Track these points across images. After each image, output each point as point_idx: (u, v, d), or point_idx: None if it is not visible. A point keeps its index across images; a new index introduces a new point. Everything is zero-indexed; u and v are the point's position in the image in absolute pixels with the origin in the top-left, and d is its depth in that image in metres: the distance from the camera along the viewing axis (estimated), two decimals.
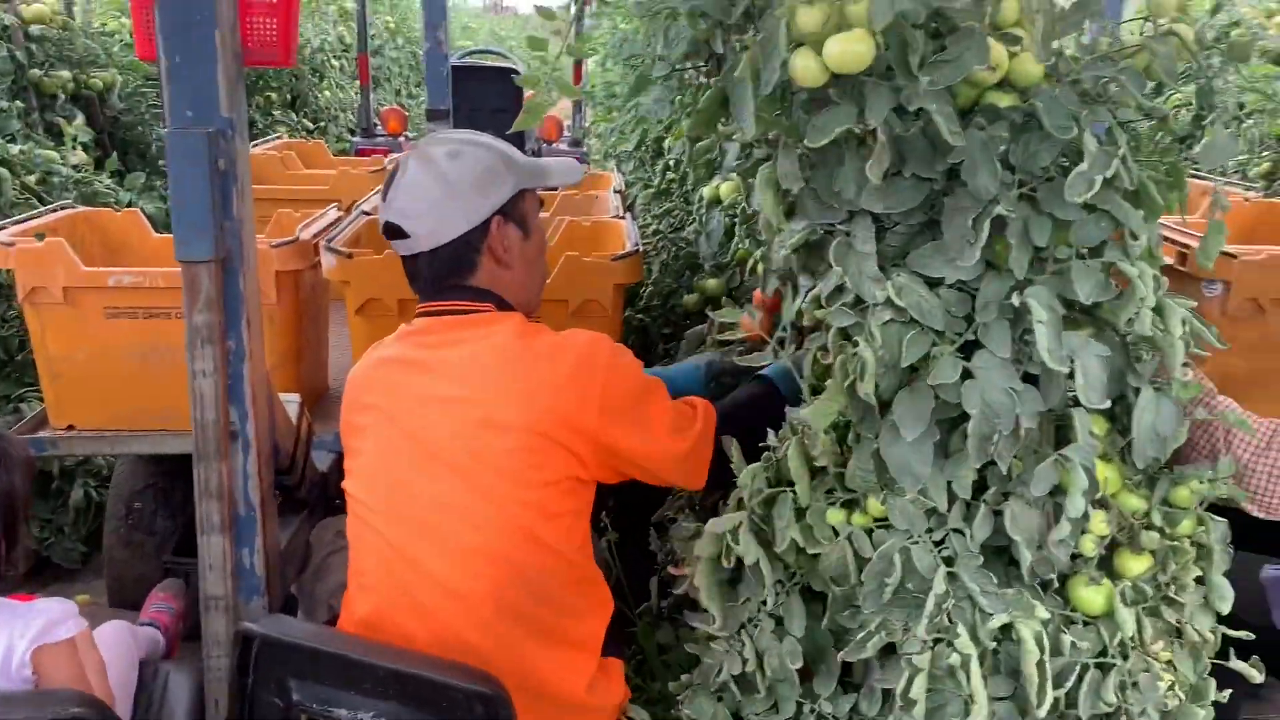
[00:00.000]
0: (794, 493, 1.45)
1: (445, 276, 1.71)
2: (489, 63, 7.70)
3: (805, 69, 1.15)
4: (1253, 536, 2.52)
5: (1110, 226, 1.30)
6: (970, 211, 1.29)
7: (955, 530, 1.38)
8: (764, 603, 1.48)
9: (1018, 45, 1.32)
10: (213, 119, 1.61)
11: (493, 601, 1.59)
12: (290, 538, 2.10)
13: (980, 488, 1.42)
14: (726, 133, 1.56)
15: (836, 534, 1.42)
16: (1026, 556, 1.36)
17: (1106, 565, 1.48)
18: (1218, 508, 1.51)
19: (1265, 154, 4.54)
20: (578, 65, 5.43)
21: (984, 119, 1.30)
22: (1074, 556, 1.43)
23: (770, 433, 1.56)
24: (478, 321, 1.68)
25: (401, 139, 6.14)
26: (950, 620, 1.33)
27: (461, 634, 1.57)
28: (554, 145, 5.91)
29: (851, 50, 1.13)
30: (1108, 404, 1.31)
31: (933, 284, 1.36)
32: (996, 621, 1.32)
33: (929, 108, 1.19)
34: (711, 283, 2.62)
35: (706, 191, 2.65)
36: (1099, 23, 1.33)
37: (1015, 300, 1.30)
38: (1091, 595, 1.41)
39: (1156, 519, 1.47)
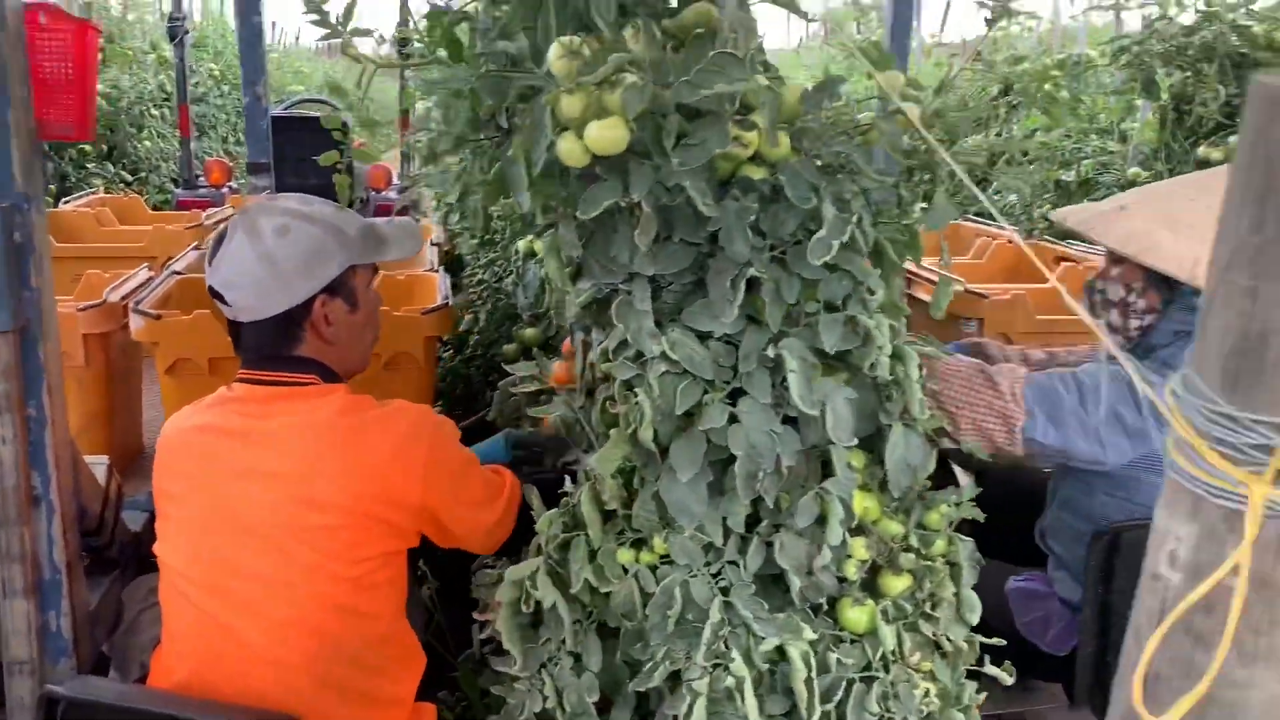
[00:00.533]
0: (587, 536, 1.55)
1: (267, 347, 1.72)
2: (317, 112, 7.65)
3: (569, 151, 1.27)
4: (1000, 548, 2.77)
5: (851, 284, 1.46)
6: (730, 273, 1.43)
7: (731, 562, 1.51)
8: (563, 642, 1.57)
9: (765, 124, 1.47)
10: (8, 194, 1.62)
11: (307, 671, 1.63)
12: (101, 597, 2.08)
13: (755, 521, 1.55)
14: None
15: (626, 572, 1.53)
16: (796, 583, 1.50)
17: (871, 586, 1.64)
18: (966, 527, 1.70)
19: (1047, 197, 4.97)
20: (404, 115, 5.48)
21: (739, 190, 1.44)
22: (841, 580, 1.58)
23: (568, 479, 1.67)
24: (300, 394, 1.70)
25: (225, 190, 6.04)
26: (726, 646, 1.45)
27: (276, 701, 1.61)
28: (382, 193, 5.93)
29: (608, 135, 1.25)
30: (855, 441, 1.46)
31: (703, 337, 1.50)
32: (768, 644, 1.45)
33: (684, 184, 1.32)
34: (529, 332, 2.71)
35: (522, 245, 2.75)
36: (833, 101, 1.49)
37: (772, 351, 1.44)
38: (856, 615, 1.56)
39: (913, 541, 1.64)
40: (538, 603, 1.57)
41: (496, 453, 2.01)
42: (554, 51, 1.25)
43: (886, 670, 1.54)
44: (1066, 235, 3.55)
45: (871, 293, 1.45)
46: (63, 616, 1.84)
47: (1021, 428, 1.86)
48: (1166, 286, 1.89)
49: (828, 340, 1.43)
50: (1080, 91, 5.43)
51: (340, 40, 1.54)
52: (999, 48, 6.23)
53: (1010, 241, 2.97)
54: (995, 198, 5.20)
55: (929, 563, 1.63)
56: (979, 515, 1.68)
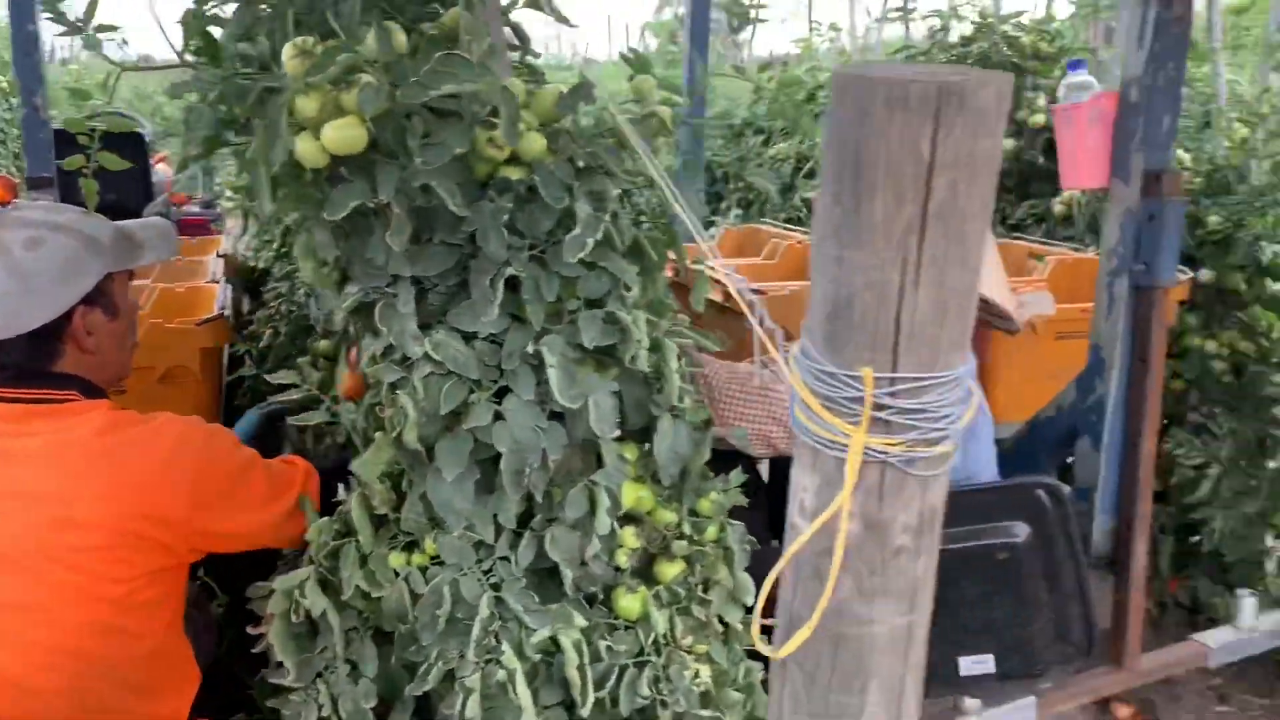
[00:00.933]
0: (358, 541, 1.54)
1: (25, 364, 1.64)
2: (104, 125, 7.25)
3: (307, 152, 1.26)
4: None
5: (610, 281, 1.50)
6: (489, 273, 1.45)
7: (502, 558, 1.52)
8: (339, 650, 1.56)
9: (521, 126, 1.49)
10: None
11: (68, 695, 1.56)
12: None
13: (530, 516, 1.58)
14: None
15: (398, 576, 1.52)
16: (568, 574, 1.53)
17: (647, 573, 1.68)
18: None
19: None
20: None
21: (495, 190, 1.46)
22: (617, 569, 1.62)
23: (341, 487, 1.65)
24: (61, 412, 1.63)
25: (10, 208, 5.67)
26: (497, 640, 1.46)
27: None
28: (184, 207, 5.70)
29: (345, 135, 1.25)
30: (618, 433, 1.50)
31: (469, 338, 1.51)
32: (540, 636, 1.47)
33: (432, 184, 1.33)
34: (323, 344, 2.66)
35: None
36: (589, 104, 1.53)
37: (533, 349, 1.46)
38: (629, 602, 1.60)
39: (686, 528, 1.69)
40: (309, 612, 1.55)
41: (248, 430, 1.98)
42: (287, 51, 1.25)
43: (659, 654, 1.58)
44: None
45: (628, 289, 1.49)
46: None
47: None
48: None
49: (586, 336, 1.47)
50: None
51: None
52: (804, 59, 6.50)
53: (799, 242, 3.11)
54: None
55: (701, 548, 1.68)
56: (742, 501, 1.75)
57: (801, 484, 0.71)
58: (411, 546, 1.54)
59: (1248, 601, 2.58)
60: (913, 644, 0.70)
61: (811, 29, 6.02)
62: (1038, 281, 2.90)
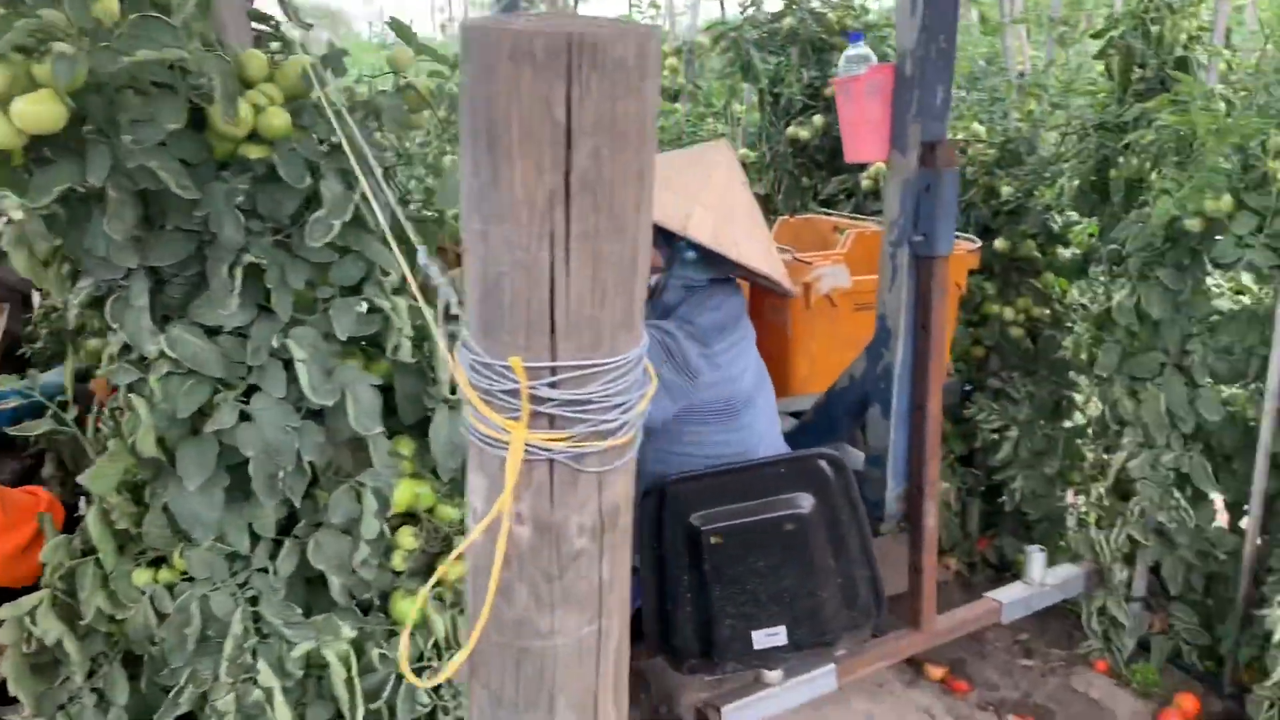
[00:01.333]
0: (99, 560, 1.40)
1: None
2: None
3: None
4: None
5: (365, 265, 1.40)
6: (226, 260, 1.33)
7: (260, 570, 1.41)
8: (86, 678, 1.42)
9: (265, 101, 1.38)
10: None
11: None
12: None
13: (296, 522, 1.47)
14: None
15: (144, 594, 1.39)
16: (335, 582, 1.43)
17: (429, 572, 1.60)
18: None
19: None
20: None
21: (232, 171, 1.34)
22: (396, 573, 1.53)
23: (82, 501, 1.51)
24: None
25: None
26: (254, 658, 1.36)
27: None
28: None
29: (39, 111, 1.12)
30: (380, 429, 1.41)
31: (213, 333, 1.39)
32: (300, 649, 1.37)
33: (150, 165, 1.21)
34: (93, 343, 2.46)
35: None
36: (339, 76, 1.42)
37: (279, 342, 1.36)
38: (406, 606, 1.52)
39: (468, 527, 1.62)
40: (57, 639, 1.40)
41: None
42: None
43: (440, 657, 1.51)
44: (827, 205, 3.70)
45: (386, 273, 1.40)
46: None
47: None
48: (666, 244, 2.03)
49: (340, 326, 1.37)
50: (696, 76, 5.71)
51: None
52: None
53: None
54: None
55: None
56: None
57: (472, 486, 0.64)
58: (159, 562, 1.41)
59: (1036, 557, 2.67)
60: (604, 655, 0.64)
61: (631, 6, 5.96)
62: (836, 255, 2.91)
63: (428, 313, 1.53)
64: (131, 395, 1.35)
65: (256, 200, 1.35)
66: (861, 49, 2.30)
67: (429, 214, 1.52)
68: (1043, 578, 2.67)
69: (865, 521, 2.10)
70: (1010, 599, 2.62)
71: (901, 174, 2.21)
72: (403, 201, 1.51)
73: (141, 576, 1.39)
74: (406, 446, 1.59)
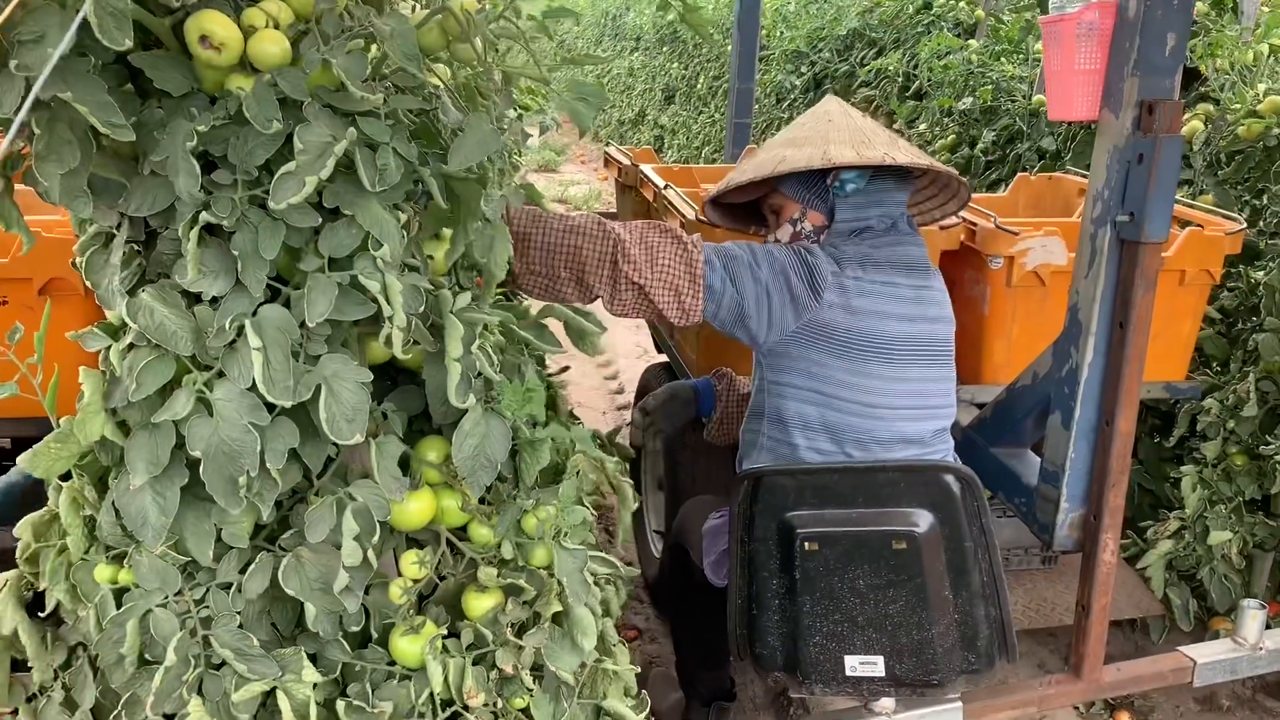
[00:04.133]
0: (67, 545, 1.24)
1: None
2: None
3: None
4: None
5: (360, 233, 1.12)
6: (184, 217, 1.09)
7: (223, 586, 1.20)
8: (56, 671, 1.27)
9: (263, 21, 1.12)
10: None
11: None
12: None
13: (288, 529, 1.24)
14: None
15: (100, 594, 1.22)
16: (312, 610, 1.19)
17: (457, 606, 1.34)
18: None
19: (950, 126, 4.57)
20: None
21: (198, 106, 1.10)
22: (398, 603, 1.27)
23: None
24: None
25: None
26: (198, 692, 1.14)
27: None
28: None
29: None
30: (356, 438, 1.14)
31: (196, 300, 1.16)
32: (248, 690, 1.14)
33: (65, 96, 0.98)
34: None
35: None
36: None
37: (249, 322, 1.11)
38: (406, 646, 1.26)
39: (506, 551, 1.33)
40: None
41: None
42: None
43: (436, 714, 1.24)
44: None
45: (378, 245, 1.11)
46: None
47: (702, 273, 1.78)
48: (820, 199, 1.88)
49: (313, 308, 1.10)
50: (997, 8, 4.98)
51: None
52: None
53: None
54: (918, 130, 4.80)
55: (516, 579, 1.32)
56: (588, 515, 1.37)
57: None
58: (123, 558, 1.22)
59: (1252, 612, 2.12)
60: None
61: None
62: (1051, 225, 2.41)
63: (445, 296, 1.24)
64: (82, 370, 1.15)
65: (229, 146, 1.10)
66: None
67: (470, 173, 1.21)
68: (1259, 639, 2.14)
69: (995, 552, 1.80)
70: (1208, 659, 2.14)
71: (1111, 138, 1.81)
72: (435, 156, 1.20)
73: (104, 573, 1.21)
74: (436, 450, 1.32)
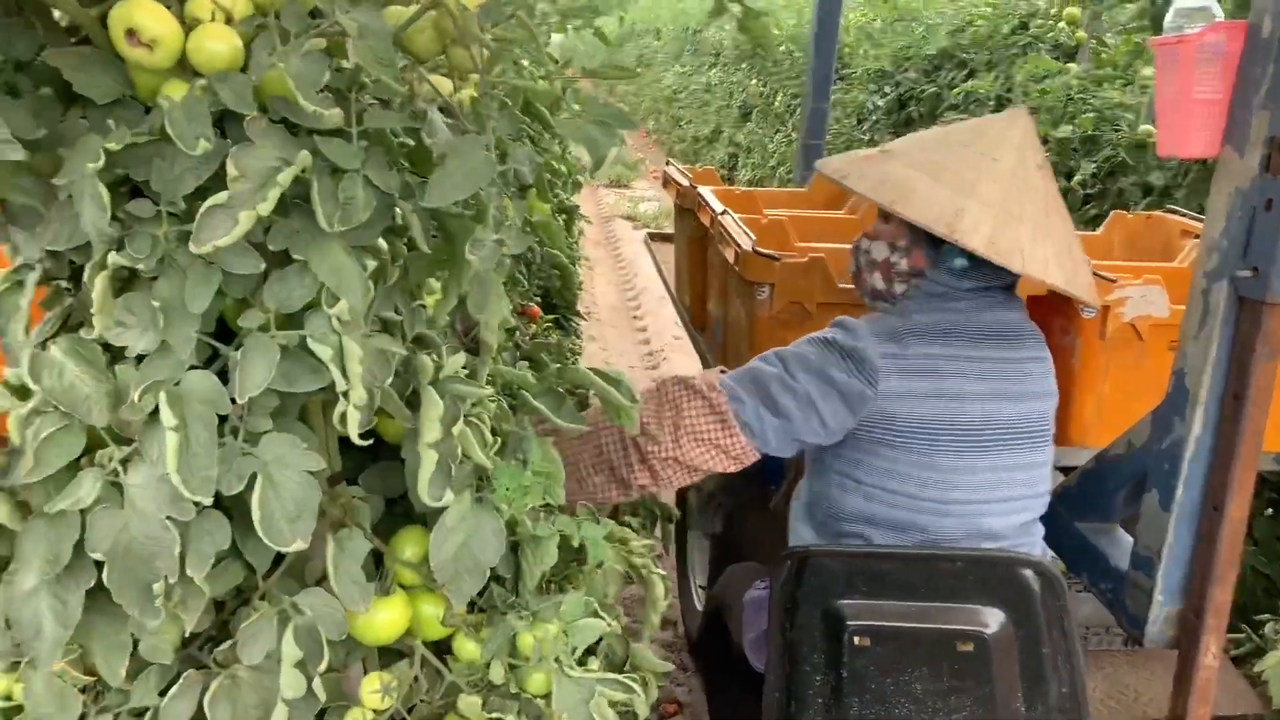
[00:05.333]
0: None
1: None
2: None
3: None
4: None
5: (314, 284, 0.89)
6: (92, 259, 0.87)
7: (136, 713, 0.96)
8: None
9: (209, 14, 0.89)
10: None
11: None
12: None
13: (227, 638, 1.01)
14: None
15: None
16: None
17: None
18: None
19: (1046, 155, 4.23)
20: None
21: (120, 121, 0.87)
22: None
23: None
24: None
25: None
26: None
27: None
28: None
29: None
30: (297, 545, 0.89)
31: (121, 357, 0.94)
32: None
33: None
34: None
35: None
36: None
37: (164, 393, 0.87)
38: None
39: (497, 675, 1.08)
40: None
41: None
42: None
43: None
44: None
45: (334, 301, 0.87)
46: None
47: (733, 414, 1.59)
48: (932, 246, 1.62)
49: (248, 377, 0.87)
50: (1102, 31, 4.63)
51: None
52: None
53: None
54: None
55: (509, 710, 1.07)
56: (609, 627, 1.12)
57: None
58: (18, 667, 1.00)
59: None
60: None
61: None
62: (1153, 272, 2.11)
63: (424, 364, 0.99)
64: None
65: (153, 170, 0.87)
66: None
67: (464, 209, 0.97)
68: None
69: (1079, 659, 1.57)
70: None
71: (1234, 179, 1.54)
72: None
73: (2, 685, 0.99)
74: (415, 545, 1.07)
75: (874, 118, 5.97)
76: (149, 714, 0.96)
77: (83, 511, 0.90)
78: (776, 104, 8.52)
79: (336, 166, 0.89)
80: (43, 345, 0.93)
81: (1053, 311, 2.17)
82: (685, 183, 2.76)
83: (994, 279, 1.62)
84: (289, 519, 0.89)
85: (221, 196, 0.83)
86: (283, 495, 0.89)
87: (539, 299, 2.65)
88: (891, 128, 5.90)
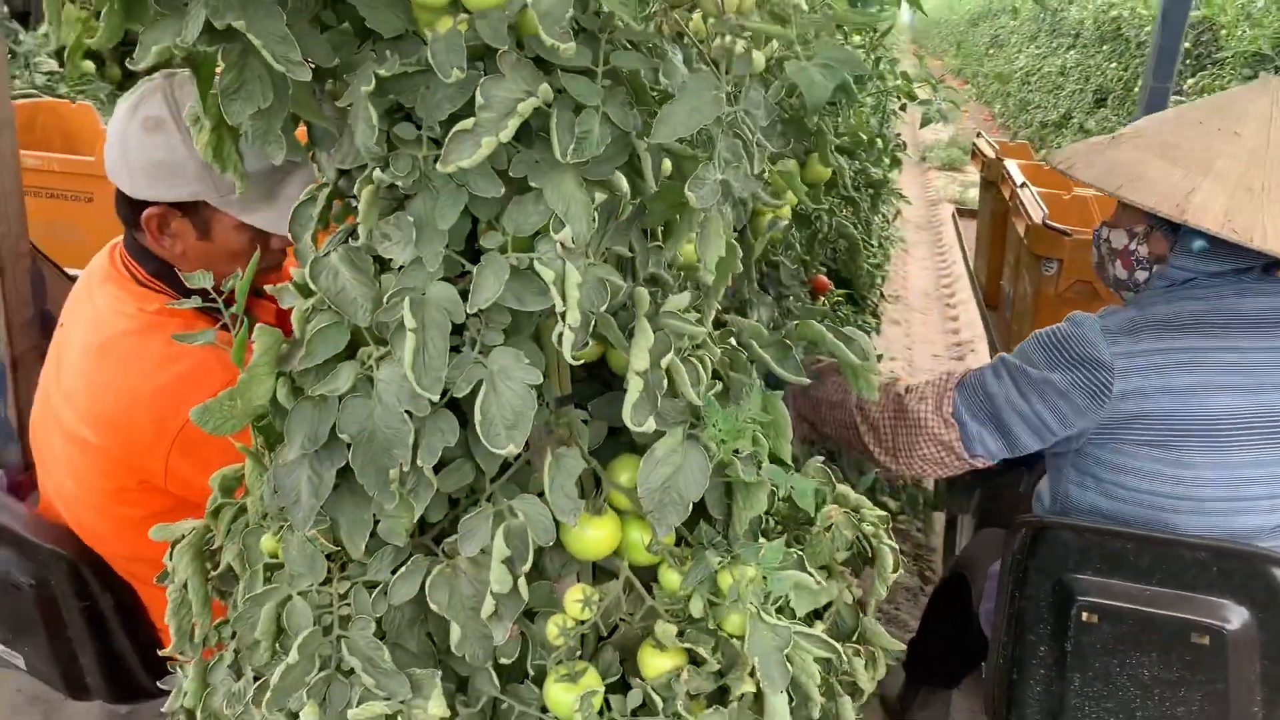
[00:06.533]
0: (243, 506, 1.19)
1: (124, 217, 1.58)
2: None
3: None
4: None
5: (547, 212, 0.95)
6: (360, 176, 0.98)
7: (370, 585, 1.08)
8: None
9: None
10: None
11: None
12: None
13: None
14: None
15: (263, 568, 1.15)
16: (456, 631, 1.05)
17: (633, 658, 1.14)
18: None
19: None
20: None
21: (394, 51, 0.97)
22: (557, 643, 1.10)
23: None
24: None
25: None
26: (322, 698, 1.04)
27: None
28: None
29: None
30: (510, 449, 0.96)
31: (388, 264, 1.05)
32: (371, 709, 1.02)
33: (238, 25, 0.88)
34: None
35: None
36: None
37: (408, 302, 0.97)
38: (560, 694, 1.08)
39: (695, 607, 1.11)
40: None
41: None
42: None
43: None
44: None
45: (560, 227, 0.93)
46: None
47: (962, 445, 1.61)
48: (1171, 229, 1.56)
49: (478, 291, 0.94)
50: None
51: None
52: None
53: None
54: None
55: (705, 644, 1.10)
56: (808, 580, 1.12)
57: None
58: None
59: None
60: None
61: None
62: None
63: (641, 295, 1.03)
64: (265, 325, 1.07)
65: (419, 98, 0.96)
66: None
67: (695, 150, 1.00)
68: None
69: None
70: None
71: None
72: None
73: (268, 544, 1.14)
74: (629, 472, 1.13)
75: None
76: (377, 589, 1.07)
77: (340, 398, 1.02)
78: (1135, 90, 7.85)
79: (580, 103, 0.95)
80: (326, 253, 1.06)
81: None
82: (992, 155, 2.64)
83: (1243, 260, 1.52)
84: (507, 425, 0.96)
85: (468, 123, 0.90)
86: (503, 403, 0.96)
87: (823, 269, 2.64)
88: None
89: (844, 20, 1.01)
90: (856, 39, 2.88)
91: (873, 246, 3.71)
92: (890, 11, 1.95)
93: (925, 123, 3.02)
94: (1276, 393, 1.49)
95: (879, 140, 3.24)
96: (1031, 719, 1.64)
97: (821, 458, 1.45)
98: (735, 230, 1.82)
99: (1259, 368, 1.49)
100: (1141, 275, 1.62)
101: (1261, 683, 1.47)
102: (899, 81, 3.42)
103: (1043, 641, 1.60)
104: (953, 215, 3.63)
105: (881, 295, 4.60)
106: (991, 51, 17.88)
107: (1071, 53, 11.12)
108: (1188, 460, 1.48)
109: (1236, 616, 1.47)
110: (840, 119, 2.43)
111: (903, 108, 3.51)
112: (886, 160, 3.76)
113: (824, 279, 2.70)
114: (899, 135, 3.98)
